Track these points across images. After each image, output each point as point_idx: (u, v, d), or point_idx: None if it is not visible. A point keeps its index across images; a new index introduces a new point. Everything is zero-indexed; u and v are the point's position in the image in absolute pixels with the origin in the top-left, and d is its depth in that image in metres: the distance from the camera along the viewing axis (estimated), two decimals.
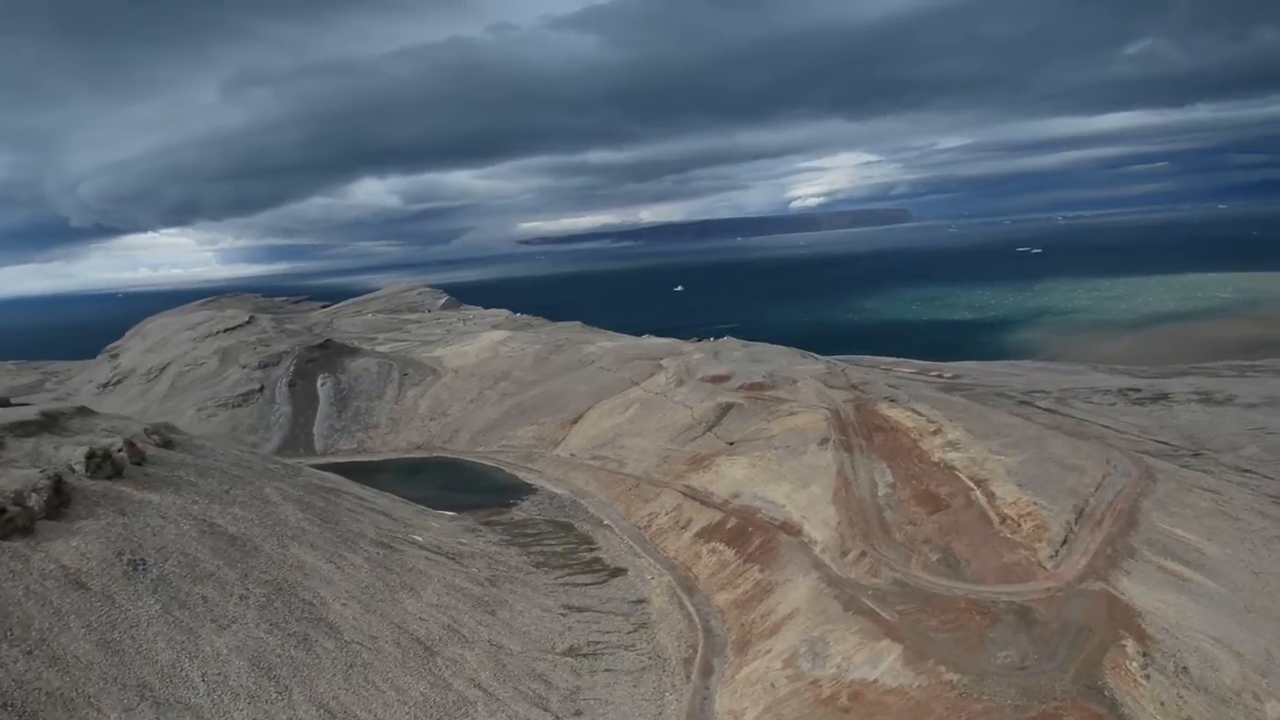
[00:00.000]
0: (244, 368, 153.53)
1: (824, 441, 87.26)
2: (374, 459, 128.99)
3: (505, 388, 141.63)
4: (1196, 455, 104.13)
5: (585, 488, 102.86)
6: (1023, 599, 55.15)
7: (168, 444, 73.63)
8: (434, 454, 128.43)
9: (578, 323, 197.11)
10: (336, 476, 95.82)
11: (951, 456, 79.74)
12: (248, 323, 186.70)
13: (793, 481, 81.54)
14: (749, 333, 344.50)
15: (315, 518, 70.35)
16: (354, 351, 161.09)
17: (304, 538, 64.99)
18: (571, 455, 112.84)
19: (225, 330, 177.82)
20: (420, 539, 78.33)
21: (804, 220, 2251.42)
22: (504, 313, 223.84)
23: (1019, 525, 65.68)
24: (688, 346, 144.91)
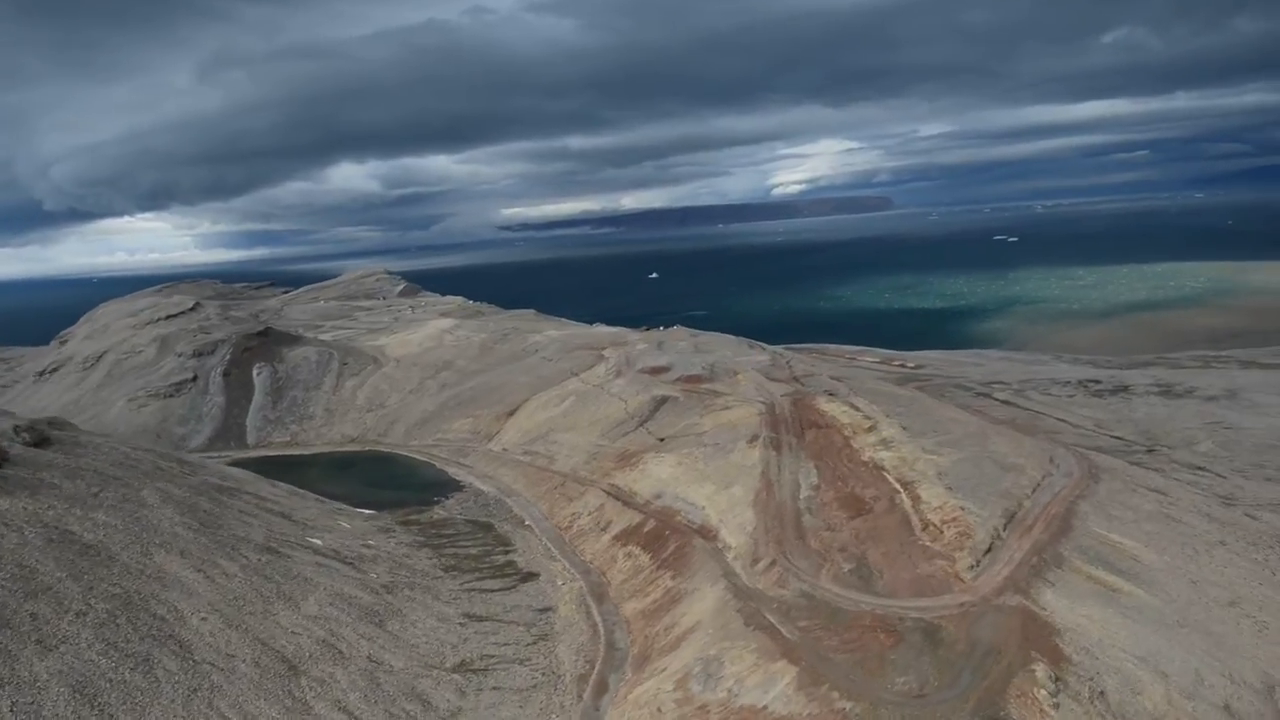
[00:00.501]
0: (179, 356, 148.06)
1: (753, 439, 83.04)
2: (305, 452, 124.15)
3: (446, 378, 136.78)
4: (1150, 451, 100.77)
5: (513, 485, 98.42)
6: (933, 615, 51.08)
7: (42, 441, 68.61)
8: (367, 447, 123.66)
9: (531, 310, 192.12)
10: (243, 473, 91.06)
11: (882, 456, 75.71)
12: (192, 309, 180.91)
13: (716, 482, 77.33)
14: (719, 320, 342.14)
15: (195, 522, 65.57)
16: (295, 340, 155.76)
17: (174, 544, 60.23)
18: (504, 450, 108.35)
19: (166, 317, 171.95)
20: (319, 542, 73.74)
21: (785, 207, 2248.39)
22: (458, 299, 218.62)
23: (941, 532, 61.67)
24: (634, 336, 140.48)
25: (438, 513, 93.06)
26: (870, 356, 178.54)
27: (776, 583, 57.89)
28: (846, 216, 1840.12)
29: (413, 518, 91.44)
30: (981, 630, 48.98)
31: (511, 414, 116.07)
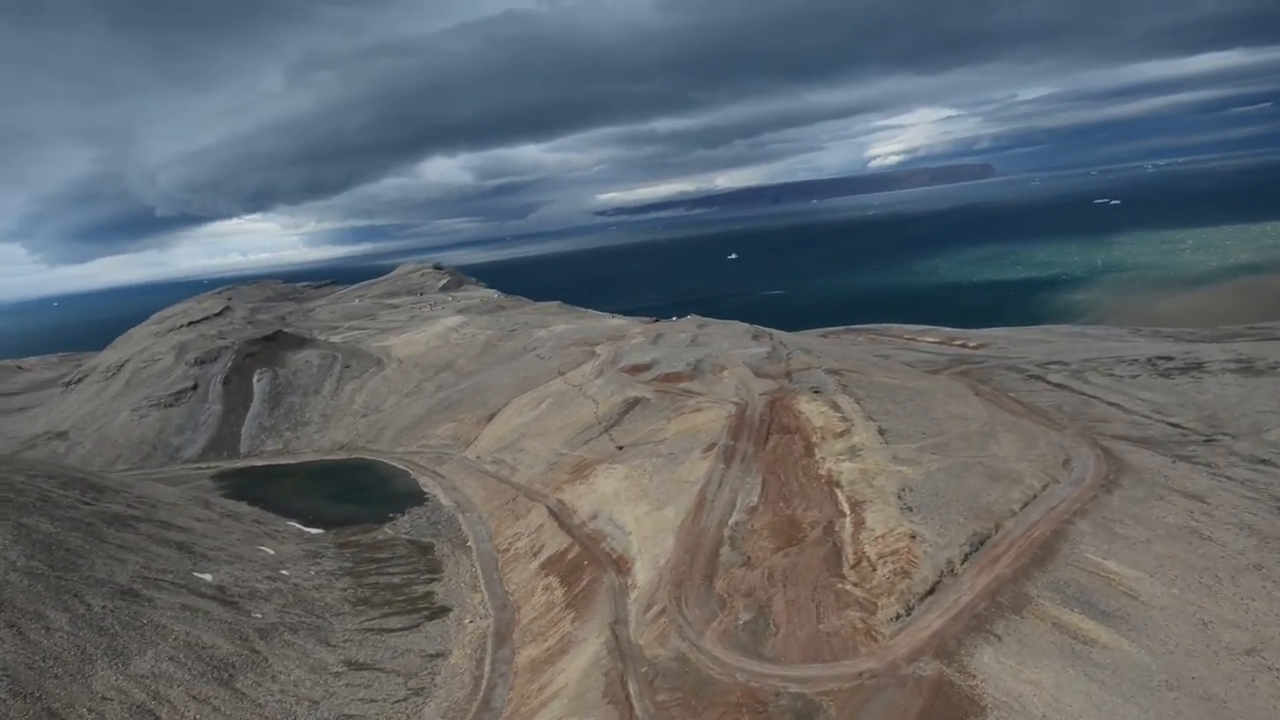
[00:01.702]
0: (186, 364, 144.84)
1: (709, 448, 72.66)
2: (291, 461, 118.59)
3: (444, 379, 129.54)
4: (1208, 442, 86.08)
5: (472, 498, 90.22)
6: (818, 690, 40.36)
7: None
8: (354, 455, 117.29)
9: (556, 302, 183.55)
10: (175, 494, 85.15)
11: (842, 468, 64.38)
12: (219, 314, 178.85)
13: (653, 500, 67.36)
14: (795, 299, 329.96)
15: (43, 565, 59.12)
16: (303, 343, 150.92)
17: None
18: (478, 458, 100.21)
19: (189, 324, 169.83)
20: (209, 578, 66.77)
21: (883, 180, 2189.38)
22: (492, 293, 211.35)
23: (874, 569, 50.48)
24: (636, 328, 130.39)
25: (384, 531, 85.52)
26: (931, 336, 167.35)
27: (658, 638, 47.86)
28: (945, 186, 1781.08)
29: (355, 537, 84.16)
30: (871, 712, 38.20)
31: (491, 418, 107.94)
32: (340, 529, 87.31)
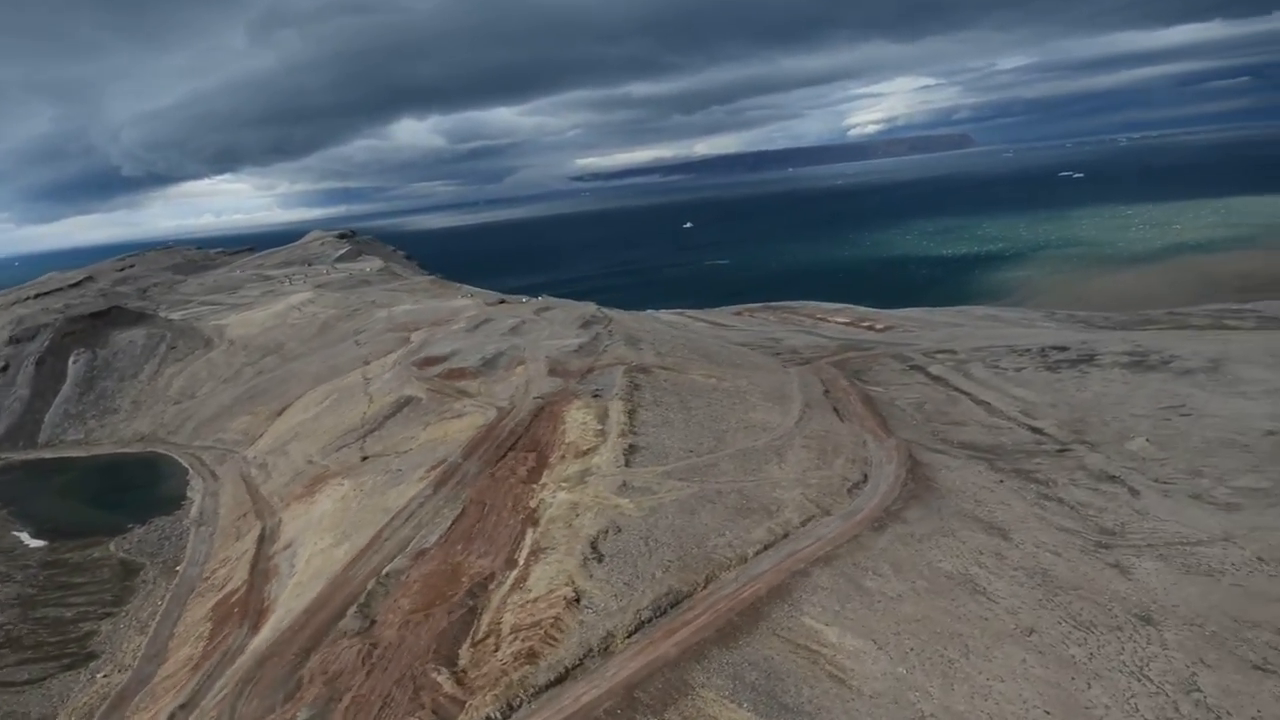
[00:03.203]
0: (2, 343, 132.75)
1: (435, 466, 62.05)
2: (80, 455, 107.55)
3: (267, 364, 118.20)
4: (1061, 452, 76.39)
5: (220, 509, 79.52)
6: None
7: None
8: (151, 448, 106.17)
9: (431, 277, 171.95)
10: None
11: (556, 499, 53.72)
12: (76, 285, 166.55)
13: (341, 532, 56.74)
14: (732, 271, 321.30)
15: None
16: (138, 319, 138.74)
17: None
18: (253, 459, 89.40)
19: (36, 296, 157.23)
20: None
21: (860, 149, 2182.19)
22: (376, 263, 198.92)
23: (498, 648, 40.04)
24: (470, 310, 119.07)
25: (106, 548, 74.77)
26: (842, 317, 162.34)
27: None
28: (922, 156, 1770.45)
29: (69, 554, 73.57)
30: None
31: (282, 413, 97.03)
32: (67, 541, 76.87)
